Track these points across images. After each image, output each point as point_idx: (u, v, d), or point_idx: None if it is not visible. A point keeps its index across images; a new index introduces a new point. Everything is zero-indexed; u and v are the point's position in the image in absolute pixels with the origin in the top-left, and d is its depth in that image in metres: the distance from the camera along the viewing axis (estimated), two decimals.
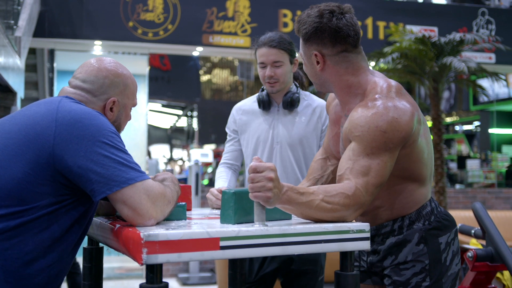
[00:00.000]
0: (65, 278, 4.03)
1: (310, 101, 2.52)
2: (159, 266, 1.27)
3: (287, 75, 2.44)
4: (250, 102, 2.58)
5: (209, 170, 8.98)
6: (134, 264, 6.15)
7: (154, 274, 1.26)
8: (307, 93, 2.56)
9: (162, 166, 9.67)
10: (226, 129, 2.62)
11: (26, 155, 1.41)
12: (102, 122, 1.46)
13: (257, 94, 2.54)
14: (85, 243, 1.87)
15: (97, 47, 6.82)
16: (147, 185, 1.41)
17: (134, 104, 1.72)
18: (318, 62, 1.71)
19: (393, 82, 1.69)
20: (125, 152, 1.45)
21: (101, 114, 1.51)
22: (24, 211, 1.40)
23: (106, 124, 1.47)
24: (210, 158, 8.52)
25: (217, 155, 9.20)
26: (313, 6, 1.71)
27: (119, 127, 1.67)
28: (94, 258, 1.81)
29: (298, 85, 2.53)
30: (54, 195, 1.43)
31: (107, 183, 1.38)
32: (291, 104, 2.45)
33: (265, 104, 2.48)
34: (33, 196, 1.41)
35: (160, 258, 1.24)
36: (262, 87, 2.54)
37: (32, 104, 1.58)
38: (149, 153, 9.09)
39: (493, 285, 2.53)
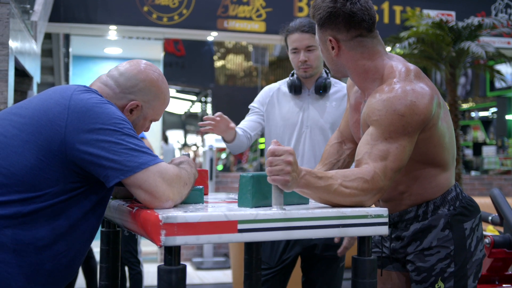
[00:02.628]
0: None
1: (340, 87, 2.54)
2: (177, 248, 1.27)
3: (319, 59, 2.46)
4: (281, 85, 2.59)
5: (223, 156, 9.00)
6: (149, 248, 6.21)
7: (172, 256, 1.26)
8: (337, 80, 2.58)
9: (177, 152, 9.70)
10: (251, 106, 2.62)
11: (38, 141, 1.42)
12: (112, 110, 1.47)
13: (287, 78, 2.56)
14: (102, 226, 1.89)
15: (112, 32, 6.83)
16: (161, 167, 1.41)
17: (156, 119, 1.71)
18: (333, 48, 1.69)
19: (411, 66, 1.67)
20: (136, 137, 1.45)
21: (111, 103, 1.51)
22: (36, 197, 1.41)
23: (116, 112, 1.47)
24: (224, 144, 8.53)
25: None
26: (310, 3, 1.69)
27: None
28: (112, 241, 1.82)
29: (328, 71, 2.54)
30: (67, 182, 1.44)
31: (120, 169, 1.39)
32: (324, 88, 2.48)
33: (296, 89, 2.50)
34: (46, 183, 1.42)
35: (178, 240, 1.24)
36: (293, 71, 2.55)
37: (47, 90, 1.59)
38: (165, 139, 9.11)
39: (510, 272, 2.51)
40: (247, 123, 2.57)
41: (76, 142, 1.41)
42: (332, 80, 2.54)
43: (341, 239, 2.33)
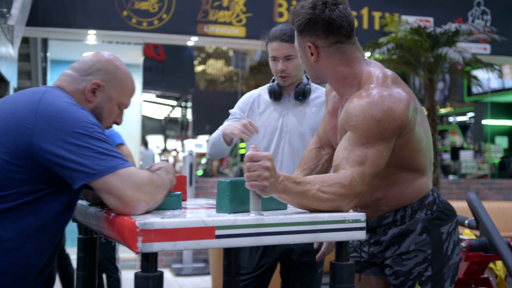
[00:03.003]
0: (56, 269, 4.04)
1: (320, 93, 2.53)
2: (154, 255, 1.26)
3: (298, 68, 2.45)
4: (261, 92, 2.59)
5: (203, 161, 8.97)
6: (128, 255, 6.15)
7: (149, 263, 1.25)
8: (317, 85, 2.58)
9: (157, 158, 9.64)
10: (231, 111, 2.61)
11: (4, 143, 1.43)
12: (82, 114, 1.46)
13: (268, 85, 2.56)
14: (79, 233, 1.86)
15: (91, 36, 6.77)
16: (130, 171, 1.39)
17: (124, 103, 1.69)
18: (312, 54, 1.70)
19: (388, 72, 1.68)
20: (106, 141, 1.44)
21: (82, 108, 1.51)
22: (2, 197, 1.41)
23: (86, 116, 1.47)
24: (204, 149, 8.50)
25: None
26: (291, 9, 1.71)
27: (100, 116, 1.64)
28: (89, 248, 1.80)
29: (309, 77, 2.52)
30: (33, 183, 1.43)
31: (86, 172, 1.38)
32: (303, 95, 2.48)
33: (276, 95, 2.51)
34: (11, 183, 1.42)
35: (155, 246, 1.23)
36: (273, 78, 2.55)
37: (17, 93, 1.59)
38: (146, 144, 9.04)
39: (486, 275, 2.54)
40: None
41: (42, 144, 1.41)
42: (313, 85, 2.55)
43: (320, 244, 2.34)
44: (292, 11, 1.73)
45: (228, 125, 2.37)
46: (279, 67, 2.43)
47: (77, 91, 1.61)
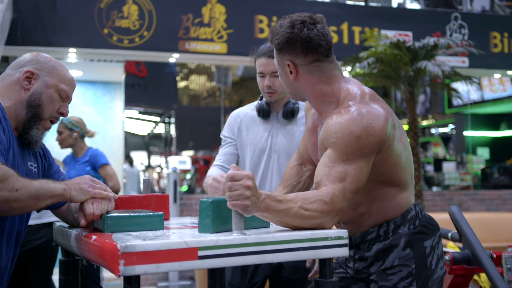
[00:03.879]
0: None
1: None
2: (137, 278, 1.25)
3: None
4: (248, 110, 2.59)
5: (188, 176, 8.93)
6: (112, 274, 6.07)
7: (132, 286, 1.24)
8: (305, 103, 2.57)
9: (141, 175, 9.58)
10: (221, 135, 2.61)
11: None
12: None
13: (256, 102, 2.56)
14: (61, 254, 1.84)
15: (72, 54, 6.74)
16: None
17: (64, 89, 1.74)
18: (291, 72, 1.72)
19: (366, 89, 1.70)
20: None
21: None
22: None
23: None
24: (188, 165, 8.47)
25: (195, 162, 9.14)
26: (286, 16, 1.72)
27: (40, 102, 1.69)
28: (71, 270, 1.78)
29: None
30: None
31: None
32: (291, 114, 2.48)
33: (264, 113, 2.50)
34: None
35: (137, 269, 1.22)
36: (261, 95, 2.55)
37: None
38: (130, 161, 8.98)
39: None
40: (223, 157, 2.55)
41: None
42: (301, 104, 2.54)
43: (313, 262, 2.33)
44: (271, 30, 1.75)
45: (209, 177, 2.14)
46: (266, 83, 2.43)
47: (11, 83, 1.69)
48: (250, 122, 2.55)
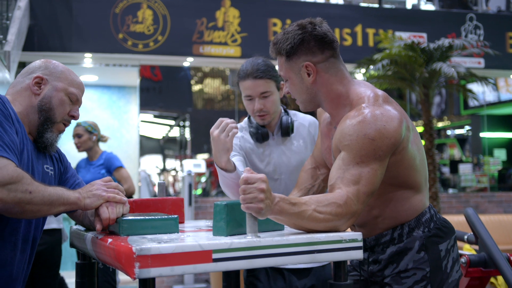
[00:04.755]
0: None
1: (301, 120, 2.38)
2: (152, 280, 1.26)
3: (276, 104, 2.27)
4: (243, 134, 2.36)
5: (202, 179, 8.95)
6: (128, 277, 6.10)
7: None
8: (294, 112, 2.42)
9: (155, 178, 9.63)
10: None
11: None
12: None
13: (246, 125, 2.36)
14: (77, 258, 1.86)
15: (87, 59, 6.81)
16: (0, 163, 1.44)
17: (73, 93, 1.78)
18: (309, 74, 1.72)
19: (379, 91, 1.70)
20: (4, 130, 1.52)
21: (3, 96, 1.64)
22: None
23: None
24: (203, 168, 8.50)
25: (210, 165, 9.17)
26: (284, 28, 1.76)
27: (50, 106, 1.74)
28: (87, 273, 1.80)
29: (285, 107, 2.39)
30: None
31: None
32: (291, 130, 2.31)
33: (264, 137, 2.30)
34: None
35: (152, 272, 1.23)
36: (248, 116, 2.36)
37: None
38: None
39: None
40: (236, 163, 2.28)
41: None
42: (291, 114, 2.37)
43: None
44: (274, 41, 1.75)
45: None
46: (256, 106, 2.22)
47: (22, 89, 1.74)
48: (247, 147, 2.33)
